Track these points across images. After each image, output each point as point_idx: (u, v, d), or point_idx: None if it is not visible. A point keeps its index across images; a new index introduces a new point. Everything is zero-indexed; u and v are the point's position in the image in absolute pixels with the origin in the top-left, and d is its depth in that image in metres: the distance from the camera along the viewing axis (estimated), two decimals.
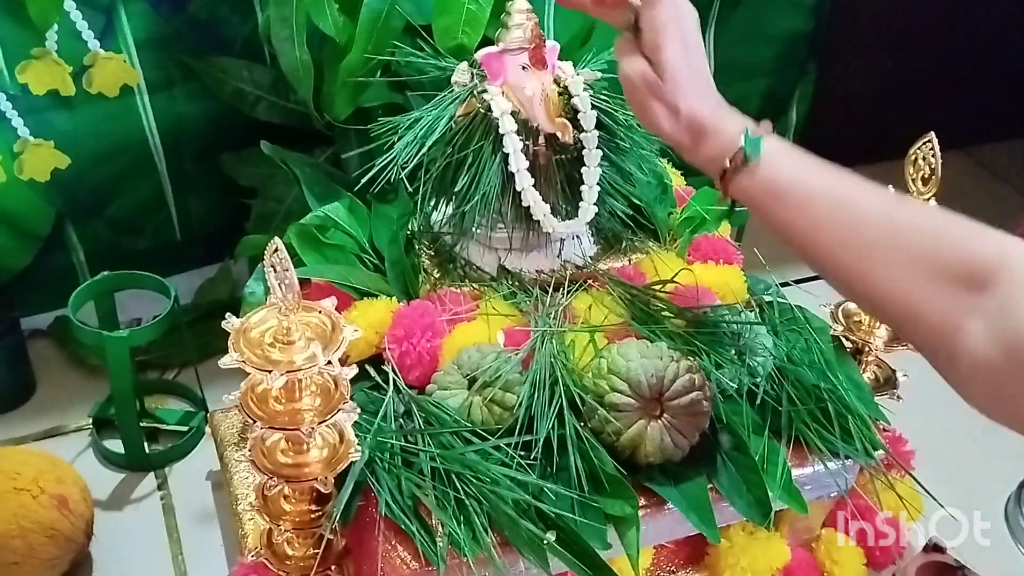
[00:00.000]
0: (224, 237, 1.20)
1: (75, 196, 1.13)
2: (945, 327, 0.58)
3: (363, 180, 0.88)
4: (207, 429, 1.06)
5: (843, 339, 0.93)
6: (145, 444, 1.07)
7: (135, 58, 1.08)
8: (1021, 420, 0.56)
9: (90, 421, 1.10)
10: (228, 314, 0.68)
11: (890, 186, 0.89)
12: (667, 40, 0.70)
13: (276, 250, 0.65)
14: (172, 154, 1.16)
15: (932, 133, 0.85)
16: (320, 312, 0.70)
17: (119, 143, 1.12)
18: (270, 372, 0.65)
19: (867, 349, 0.93)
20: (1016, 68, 1.69)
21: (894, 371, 0.96)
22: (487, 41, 0.93)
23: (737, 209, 0.77)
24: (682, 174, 1.07)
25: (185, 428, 1.10)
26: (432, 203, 0.91)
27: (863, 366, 0.94)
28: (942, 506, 0.86)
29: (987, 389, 0.57)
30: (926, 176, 0.85)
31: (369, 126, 0.89)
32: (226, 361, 0.66)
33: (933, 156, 0.84)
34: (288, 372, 0.65)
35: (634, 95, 0.73)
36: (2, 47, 1.01)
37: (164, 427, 1.11)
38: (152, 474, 1.06)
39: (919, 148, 0.85)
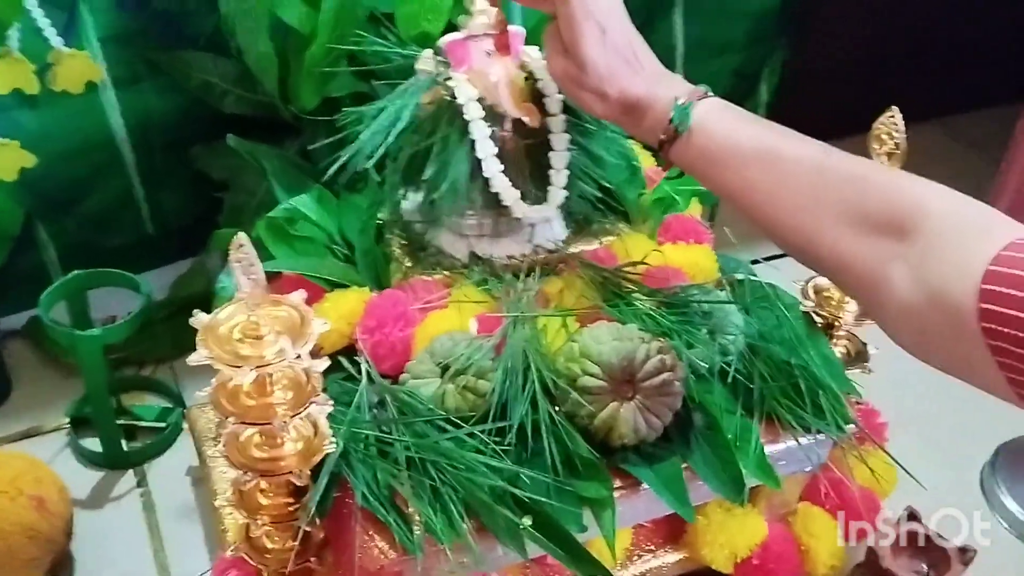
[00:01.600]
0: (197, 231, 1.19)
1: (44, 194, 1.13)
2: (873, 275, 0.61)
3: (331, 171, 0.87)
4: (185, 425, 1.06)
5: (813, 315, 0.94)
6: (123, 442, 1.07)
7: (99, 54, 1.07)
8: (944, 362, 0.59)
9: (67, 420, 1.10)
10: (196, 311, 0.68)
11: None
12: (580, 33, 0.72)
13: (241, 245, 0.65)
14: (141, 149, 1.15)
15: (895, 108, 0.85)
16: (288, 305, 0.70)
17: (86, 140, 1.11)
18: (239, 368, 0.65)
19: (837, 324, 0.94)
20: (986, 36, 1.70)
21: (865, 344, 0.97)
22: (451, 28, 0.92)
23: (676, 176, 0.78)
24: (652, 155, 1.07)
25: (163, 424, 1.10)
26: (401, 192, 0.91)
27: (834, 341, 0.95)
28: (909, 474, 0.87)
29: (913, 333, 0.60)
30: (891, 150, 0.85)
31: (335, 117, 0.89)
32: (195, 358, 0.66)
33: (897, 130, 0.84)
34: (258, 367, 0.65)
35: (564, 88, 0.77)
36: None
37: (142, 424, 1.11)
38: (131, 472, 1.07)
39: (883, 122, 0.85)
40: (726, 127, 0.69)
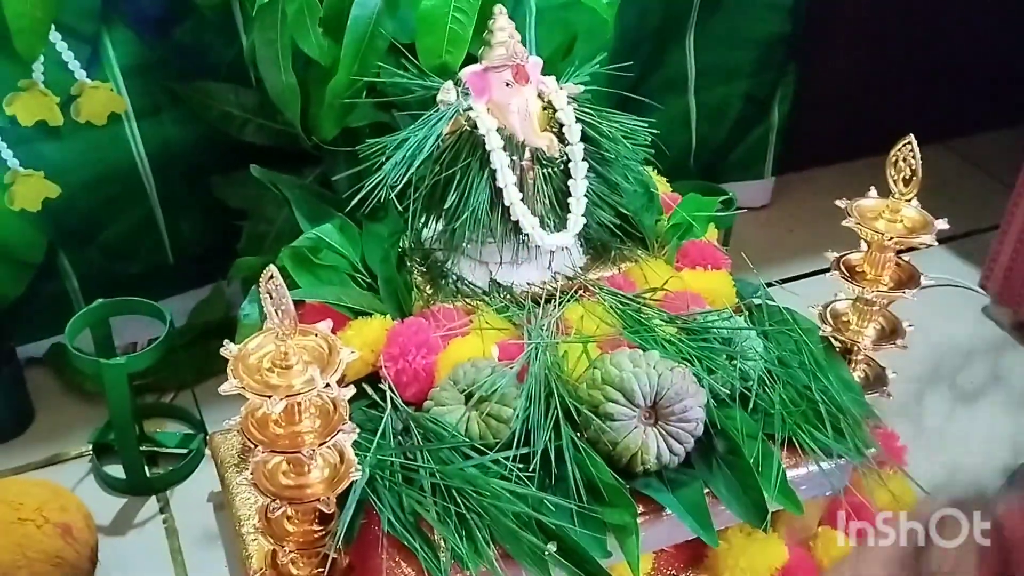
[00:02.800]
0: (216, 258, 1.21)
1: (67, 224, 1.14)
2: None
3: (354, 201, 0.88)
4: (207, 451, 1.06)
5: (832, 339, 0.94)
6: (146, 468, 1.08)
7: (122, 86, 1.09)
8: None
9: (90, 447, 1.11)
10: (226, 341, 0.69)
11: (872, 188, 0.91)
12: None
13: (271, 277, 0.66)
14: (162, 179, 1.17)
15: (911, 135, 0.86)
16: (317, 335, 0.71)
17: (108, 170, 1.13)
18: (270, 397, 0.66)
19: (856, 348, 0.95)
20: (992, 59, 1.71)
21: (883, 368, 0.97)
22: (471, 59, 0.94)
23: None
24: (667, 181, 1.09)
25: (185, 451, 1.11)
26: (422, 220, 0.92)
27: (853, 365, 0.95)
28: (928, 495, 0.87)
29: None
30: (907, 177, 0.86)
31: (357, 147, 0.90)
32: (226, 388, 0.67)
33: (913, 157, 0.85)
34: (287, 396, 0.66)
35: None
36: None
37: (164, 450, 1.12)
38: (154, 498, 1.07)
39: (899, 149, 0.86)
40: None
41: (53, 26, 1.01)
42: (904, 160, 0.86)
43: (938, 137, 1.80)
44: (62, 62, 1.04)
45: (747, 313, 0.94)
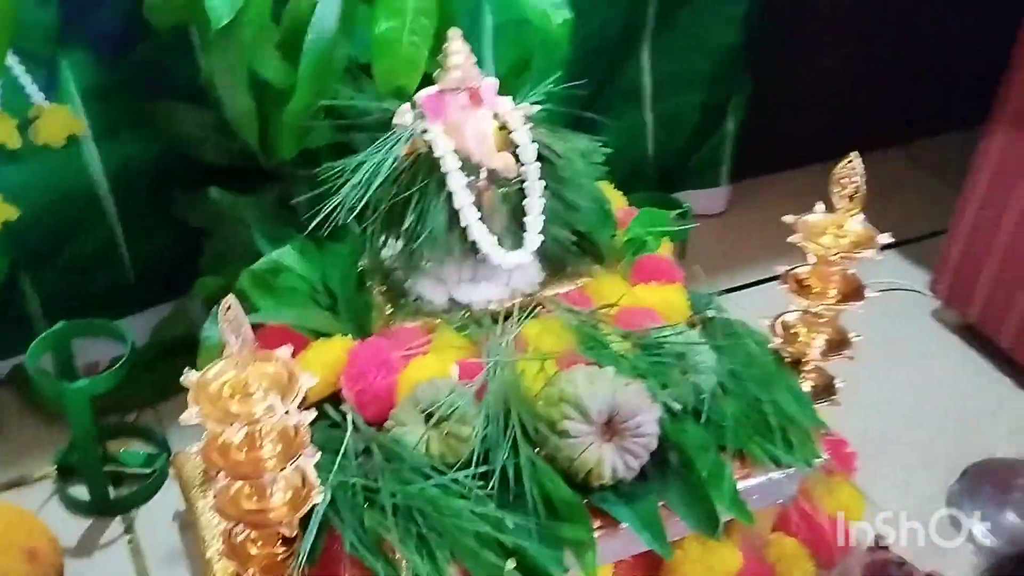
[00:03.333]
0: (178, 275, 1.21)
1: (27, 246, 1.14)
2: None
3: (313, 223, 0.90)
4: (171, 470, 1.07)
5: (782, 351, 0.97)
6: (110, 489, 1.08)
7: (80, 108, 1.09)
8: None
9: (54, 469, 1.11)
10: (186, 368, 0.70)
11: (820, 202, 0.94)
12: None
13: (229, 307, 0.67)
14: (122, 199, 1.17)
15: (855, 152, 0.88)
16: (276, 362, 0.72)
17: (68, 191, 1.13)
18: (230, 425, 0.67)
19: (805, 359, 0.97)
20: (945, 63, 1.75)
21: (832, 378, 1.00)
22: (427, 80, 0.95)
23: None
24: (624, 194, 1.11)
25: (149, 471, 1.11)
26: (381, 240, 0.94)
27: (802, 376, 0.98)
28: (876, 504, 0.90)
29: None
30: (851, 194, 0.89)
31: (315, 170, 0.91)
32: (187, 417, 0.68)
33: (857, 175, 0.88)
34: (248, 424, 0.68)
35: None
36: None
37: (128, 470, 1.12)
38: (119, 518, 1.08)
39: (843, 167, 0.89)
40: None
41: (10, 49, 1.01)
42: (848, 177, 0.89)
43: (891, 142, 1.84)
44: (19, 85, 1.05)
45: (700, 326, 0.96)
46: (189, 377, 0.70)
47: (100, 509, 1.08)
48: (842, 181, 0.90)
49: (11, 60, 1.03)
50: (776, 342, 0.97)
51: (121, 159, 1.15)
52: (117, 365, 1.00)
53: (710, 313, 0.98)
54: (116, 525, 1.07)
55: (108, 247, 1.20)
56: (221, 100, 1.00)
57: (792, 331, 0.98)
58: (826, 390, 0.99)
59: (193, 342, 1.02)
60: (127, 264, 1.23)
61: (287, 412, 0.69)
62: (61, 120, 1.08)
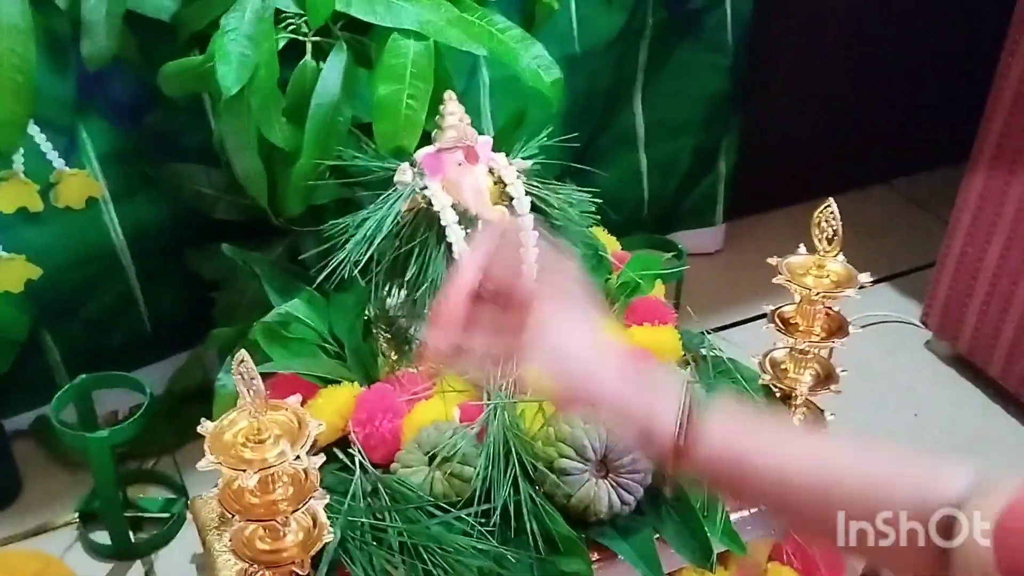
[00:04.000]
0: (192, 326, 1.26)
1: (49, 303, 1.19)
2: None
3: (320, 277, 0.94)
4: (188, 514, 1.11)
5: (772, 386, 1.01)
6: (130, 533, 1.12)
7: (98, 171, 1.15)
8: None
9: (76, 515, 1.15)
10: (203, 419, 0.75)
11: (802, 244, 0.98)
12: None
13: (242, 361, 0.72)
14: (139, 255, 1.23)
15: (831, 199, 0.93)
16: (287, 410, 0.76)
17: (88, 250, 1.18)
18: (244, 471, 0.72)
19: (794, 395, 1.01)
20: (929, 101, 1.80)
21: (822, 411, 1.04)
22: (427, 138, 1.00)
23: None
24: (618, 239, 1.15)
25: (167, 515, 1.15)
26: (386, 290, 0.98)
27: (793, 410, 1.02)
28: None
29: None
30: (829, 237, 0.94)
31: (321, 226, 0.96)
32: (204, 464, 0.72)
33: (834, 219, 0.93)
34: (261, 470, 0.72)
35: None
36: None
37: (147, 515, 1.16)
38: (139, 562, 1.12)
39: (820, 212, 0.93)
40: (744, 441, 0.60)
41: (31, 119, 1.07)
42: (826, 221, 0.93)
43: (880, 178, 1.89)
44: (40, 152, 1.10)
45: (693, 364, 1.00)
46: (205, 427, 0.75)
47: (122, 553, 1.11)
48: (821, 225, 0.94)
49: (32, 129, 1.08)
50: (765, 378, 1.01)
51: (137, 218, 1.20)
52: (136, 415, 1.04)
53: (702, 351, 1.02)
54: (137, 568, 1.11)
55: (126, 302, 1.25)
56: (232, 162, 1.06)
57: (781, 367, 1.02)
58: (817, 423, 1.02)
59: (208, 390, 1.06)
60: (144, 317, 1.28)
61: (298, 457, 0.74)
62: (80, 184, 1.13)
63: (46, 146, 1.10)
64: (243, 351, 0.72)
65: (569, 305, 0.63)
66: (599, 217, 1.04)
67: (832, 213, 0.92)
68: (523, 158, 1.01)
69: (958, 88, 1.74)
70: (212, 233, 1.16)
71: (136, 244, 1.21)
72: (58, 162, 1.12)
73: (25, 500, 1.20)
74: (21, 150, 1.09)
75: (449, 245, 0.94)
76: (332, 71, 1.00)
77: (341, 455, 0.90)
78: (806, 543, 0.98)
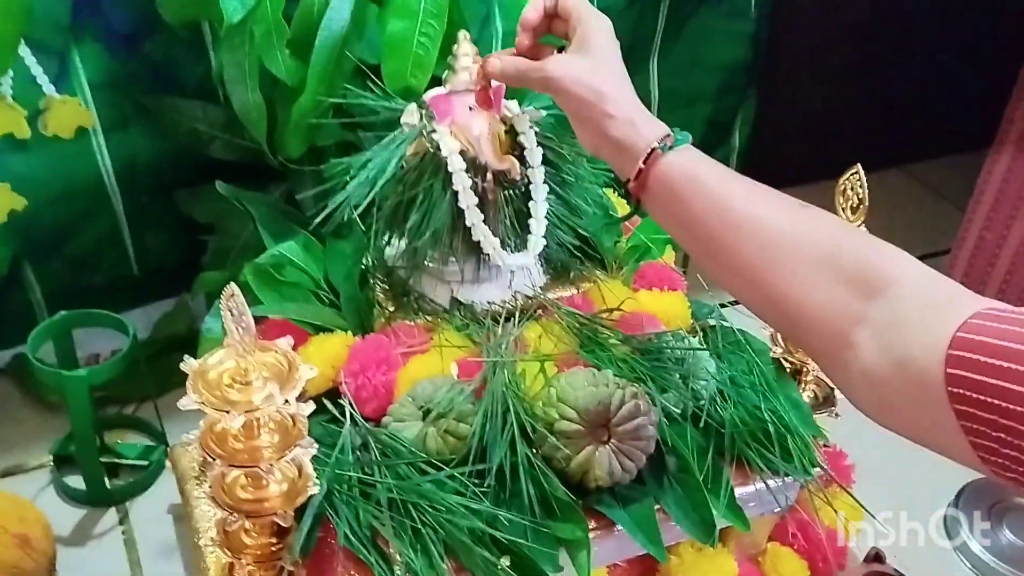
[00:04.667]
0: (181, 272, 1.22)
1: (32, 236, 1.15)
2: (839, 335, 0.61)
3: (318, 219, 0.90)
4: (167, 463, 1.07)
5: (783, 360, 0.97)
6: (106, 479, 1.08)
7: (90, 100, 1.10)
8: (906, 429, 0.60)
9: (51, 458, 1.11)
10: (186, 356, 0.70)
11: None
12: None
13: (232, 295, 0.67)
14: (128, 192, 1.18)
15: (859, 165, 0.89)
16: (277, 352, 0.72)
17: (75, 183, 1.14)
18: (228, 412, 0.68)
19: (805, 369, 0.97)
20: (950, 86, 1.76)
21: (832, 389, 1.00)
22: (435, 81, 0.96)
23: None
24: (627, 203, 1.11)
25: (145, 463, 1.11)
26: (385, 239, 0.94)
27: (802, 386, 0.98)
28: (873, 516, 0.90)
29: (875, 398, 0.61)
30: (855, 205, 0.89)
31: (322, 166, 0.92)
32: (185, 403, 0.68)
33: (860, 186, 0.89)
34: (246, 412, 0.68)
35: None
36: None
37: (125, 462, 1.12)
38: (113, 509, 1.08)
39: (847, 179, 0.89)
40: (712, 164, 0.72)
41: (22, 40, 1.02)
42: (852, 189, 0.89)
43: (894, 162, 1.85)
44: (31, 76, 1.05)
45: (701, 334, 0.96)
46: (189, 364, 0.70)
47: (95, 499, 1.08)
48: (846, 193, 0.91)
49: (23, 51, 1.03)
50: (777, 352, 0.97)
51: (128, 153, 1.15)
52: (117, 355, 1.00)
53: (711, 322, 0.98)
54: (111, 516, 1.07)
55: (112, 240, 1.21)
56: (230, 96, 1.01)
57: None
58: (826, 401, 0.99)
59: (194, 338, 1.02)
60: (131, 258, 1.24)
61: (286, 402, 0.69)
62: (71, 112, 1.08)
63: (36, 69, 1.05)
64: (232, 284, 0.68)
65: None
66: (613, 176, 0.99)
67: (858, 179, 0.89)
68: (536, 108, 0.96)
69: (980, 74, 1.70)
70: (206, 173, 1.11)
71: (125, 180, 1.16)
72: (48, 88, 1.07)
73: None
74: (10, 73, 1.03)
75: (455, 193, 0.90)
76: (342, 3, 0.95)
77: (331, 406, 0.86)
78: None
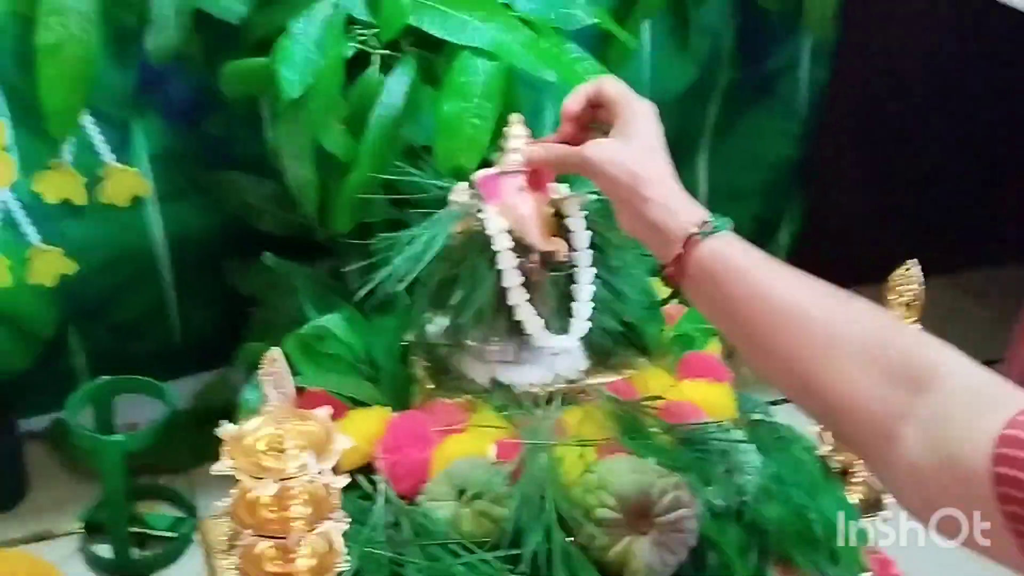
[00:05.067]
0: (224, 344, 1.22)
1: (79, 301, 1.16)
2: (884, 428, 0.59)
3: (362, 292, 0.90)
4: (196, 536, 1.06)
5: (830, 460, 0.94)
6: (134, 549, 1.07)
7: (147, 171, 1.12)
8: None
9: (80, 525, 1.10)
10: (221, 421, 0.70)
11: None
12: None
13: (274, 360, 0.67)
14: (177, 262, 1.19)
15: (915, 260, 0.87)
16: (314, 421, 0.71)
17: (126, 251, 1.15)
18: (261, 479, 0.66)
19: (853, 470, 0.94)
20: (1004, 195, 1.75)
21: (881, 492, 0.96)
22: (485, 163, 0.97)
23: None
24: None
25: (174, 534, 1.10)
26: (428, 316, 0.94)
27: (850, 487, 0.95)
28: None
29: (920, 496, 0.58)
30: (908, 302, 0.88)
31: (369, 241, 0.92)
32: (219, 467, 0.67)
33: (914, 283, 0.87)
34: (280, 480, 0.66)
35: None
36: (19, 156, 1.05)
37: (153, 532, 1.11)
38: None
39: (900, 274, 0.88)
40: (750, 251, 0.71)
41: (86, 110, 1.05)
42: (905, 284, 0.87)
43: (941, 269, 1.82)
44: (92, 144, 1.08)
45: (747, 428, 0.94)
46: (226, 429, 0.70)
47: (122, 569, 1.06)
48: (899, 289, 0.89)
49: (86, 120, 1.06)
50: (824, 450, 0.94)
51: (181, 224, 1.17)
52: (155, 423, 1.00)
53: (757, 416, 0.96)
54: None
55: (158, 309, 1.22)
56: (284, 170, 1.03)
57: None
58: (875, 504, 0.95)
59: (234, 411, 1.01)
60: (175, 328, 1.24)
61: (320, 472, 0.68)
62: (128, 181, 1.10)
63: (98, 139, 1.08)
64: (275, 349, 0.67)
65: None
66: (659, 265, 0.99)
67: (911, 275, 0.87)
68: (584, 192, 0.97)
69: None
70: (254, 247, 1.12)
71: (175, 250, 1.18)
72: (108, 156, 1.09)
73: (30, 504, 1.16)
74: (72, 140, 1.06)
75: (499, 272, 0.90)
76: (398, 84, 0.97)
77: (364, 482, 0.84)
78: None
